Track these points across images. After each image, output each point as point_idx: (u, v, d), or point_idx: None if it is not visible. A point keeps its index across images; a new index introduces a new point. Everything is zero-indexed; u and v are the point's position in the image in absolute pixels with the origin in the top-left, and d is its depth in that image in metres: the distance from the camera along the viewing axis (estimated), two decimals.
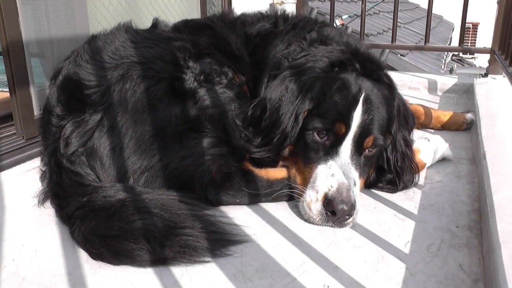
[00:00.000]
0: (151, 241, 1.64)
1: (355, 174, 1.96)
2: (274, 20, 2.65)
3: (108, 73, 2.08)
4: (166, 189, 1.98)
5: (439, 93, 4.31)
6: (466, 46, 4.82)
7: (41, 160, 2.23)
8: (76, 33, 2.88)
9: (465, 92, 4.22)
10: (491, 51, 4.27)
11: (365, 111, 1.99)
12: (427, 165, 2.49)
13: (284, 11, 2.77)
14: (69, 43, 2.79)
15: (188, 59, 2.18)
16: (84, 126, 2.02)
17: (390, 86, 2.19)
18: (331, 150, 1.98)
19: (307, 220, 1.94)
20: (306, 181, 2.00)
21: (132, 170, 2.01)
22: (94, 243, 1.68)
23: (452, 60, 15.54)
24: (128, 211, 1.74)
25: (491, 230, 1.63)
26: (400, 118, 2.18)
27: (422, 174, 2.42)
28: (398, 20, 4.66)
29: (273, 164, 2.17)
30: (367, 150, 2.04)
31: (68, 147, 2.01)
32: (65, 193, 1.95)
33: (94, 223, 1.73)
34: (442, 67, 10.34)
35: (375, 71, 2.16)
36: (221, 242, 1.74)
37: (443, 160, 2.60)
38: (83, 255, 1.71)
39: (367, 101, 2.01)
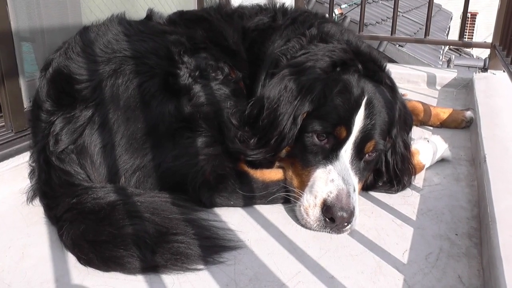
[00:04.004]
0: (142, 248, 1.58)
1: (354, 180, 1.91)
2: (273, 13, 2.57)
3: (100, 67, 2.01)
4: (158, 190, 1.93)
5: (438, 87, 4.25)
6: (466, 40, 4.75)
7: (30, 156, 2.15)
8: (68, 22, 2.78)
9: (464, 87, 4.16)
10: (491, 46, 4.20)
11: (368, 115, 1.93)
12: (426, 166, 2.44)
13: (283, 4, 2.69)
14: (60, 32, 2.69)
15: (183, 54, 2.10)
16: (75, 122, 1.95)
17: (392, 89, 2.12)
18: (330, 154, 1.92)
19: (304, 225, 1.88)
20: (303, 185, 1.95)
21: (123, 169, 1.94)
22: (83, 248, 1.63)
23: (450, 49, 15.43)
24: (118, 215, 1.69)
25: (492, 242, 1.58)
26: (401, 121, 2.12)
27: (421, 176, 2.37)
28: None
29: (269, 164, 2.11)
30: (367, 155, 1.98)
31: (58, 144, 1.94)
32: (54, 193, 1.89)
33: (83, 227, 1.67)
34: (440, 58, 10.25)
35: (377, 72, 2.09)
36: (214, 248, 1.69)
37: (442, 160, 2.55)
38: (71, 259, 1.66)
39: (369, 105, 1.94)
